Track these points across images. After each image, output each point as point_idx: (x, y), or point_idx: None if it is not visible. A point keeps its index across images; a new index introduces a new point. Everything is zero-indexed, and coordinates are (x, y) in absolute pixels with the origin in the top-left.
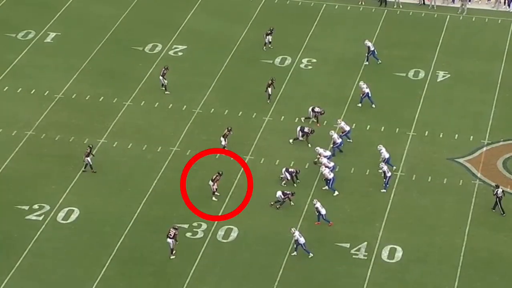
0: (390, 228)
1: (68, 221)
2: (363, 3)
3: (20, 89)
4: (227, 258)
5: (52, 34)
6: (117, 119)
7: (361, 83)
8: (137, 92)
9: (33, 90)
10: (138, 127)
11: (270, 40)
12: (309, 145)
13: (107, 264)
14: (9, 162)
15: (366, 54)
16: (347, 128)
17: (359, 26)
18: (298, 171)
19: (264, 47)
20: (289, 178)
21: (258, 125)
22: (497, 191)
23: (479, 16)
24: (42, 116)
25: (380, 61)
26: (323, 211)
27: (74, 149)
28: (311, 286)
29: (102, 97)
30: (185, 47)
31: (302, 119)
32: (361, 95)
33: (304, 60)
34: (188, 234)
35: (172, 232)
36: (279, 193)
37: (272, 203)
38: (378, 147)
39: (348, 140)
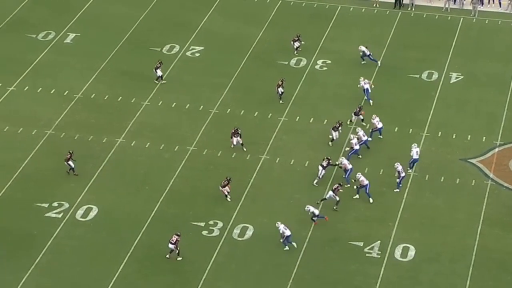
0: (403, 227)
1: (87, 218)
2: (377, 6)
3: (40, 88)
4: (242, 256)
5: (72, 35)
6: (135, 119)
7: (361, 79)
8: (155, 92)
9: (53, 90)
10: (156, 126)
11: (298, 46)
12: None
13: (124, 262)
14: (29, 161)
15: (362, 57)
16: (380, 125)
17: (374, 28)
18: (329, 159)
19: (296, 52)
20: (321, 176)
21: (274, 125)
22: None
23: (492, 19)
24: (62, 116)
25: (379, 63)
26: (316, 212)
27: (92, 148)
28: (325, 284)
29: (120, 97)
30: (202, 48)
31: (348, 122)
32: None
33: (319, 62)
34: (204, 232)
35: (175, 238)
36: (330, 193)
37: (318, 201)
38: (413, 145)
39: (379, 136)
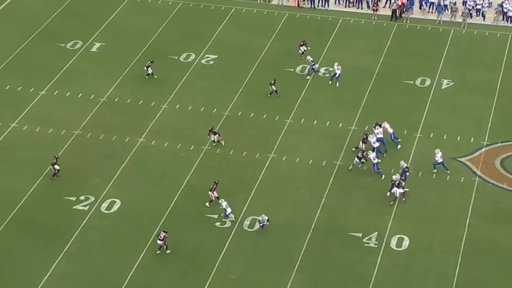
0: (398, 219)
1: (111, 211)
2: (375, 18)
3: (68, 93)
4: (252, 246)
5: (97, 44)
6: (154, 121)
7: (336, 64)
8: (173, 97)
9: (80, 94)
10: (174, 127)
11: (305, 49)
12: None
13: (144, 251)
14: (59, 158)
15: (308, 67)
16: (391, 130)
17: (372, 39)
18: (364, 151)
19: (302, 56)
20: (355, 164)
21: (281, 126)
22: None
23: (480, 30)
24: (88, 117)
25: (321, 73)
26: (228, 210)
27: (116, 147)
28: (327, 271)
29: (141, 101)
30: (216, 56)
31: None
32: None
33: (322, 69)
34: (217, 224)
35: (162, 235)
36: (396, 190)
37: (392, 203)
38: (436, 150)
39: (397, 140)
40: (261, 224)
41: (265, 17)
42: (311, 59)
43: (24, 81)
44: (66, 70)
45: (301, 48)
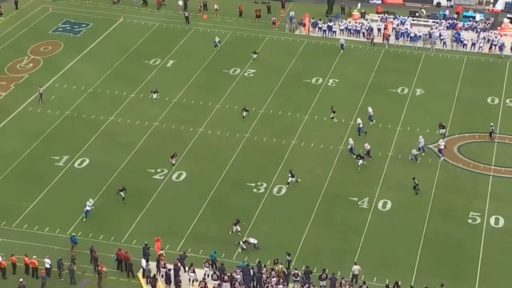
0: (384, 188)
1: (179, 180)
2: (368, 44)
3: (150, 95)
4: (279, 206)
5: (171, 62)
6: (211, 116)
7: (342, 39)
8: (224, 99)
9: (158, 97)
10: (224, 121)
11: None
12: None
13: (202, 208)
14: (142, 142)
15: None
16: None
17: (367, 59)
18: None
19: (252, 60)
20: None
21: (300, 121)
22: (414, 179)
23: (444, 54)
24: (164, 113)
25: (217, 48)
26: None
27: (183, 135)
28: (332, 224)
29: (201, 101)
30: (255, 71)
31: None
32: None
33: (331, 80)
34: (254, 190)
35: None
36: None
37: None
38: (420, 138)
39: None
40: (254, 244)
41: (291, 43)
42: (217, 40)
43: (120, 87)
44: (149, 80)
45: (254, 55)
